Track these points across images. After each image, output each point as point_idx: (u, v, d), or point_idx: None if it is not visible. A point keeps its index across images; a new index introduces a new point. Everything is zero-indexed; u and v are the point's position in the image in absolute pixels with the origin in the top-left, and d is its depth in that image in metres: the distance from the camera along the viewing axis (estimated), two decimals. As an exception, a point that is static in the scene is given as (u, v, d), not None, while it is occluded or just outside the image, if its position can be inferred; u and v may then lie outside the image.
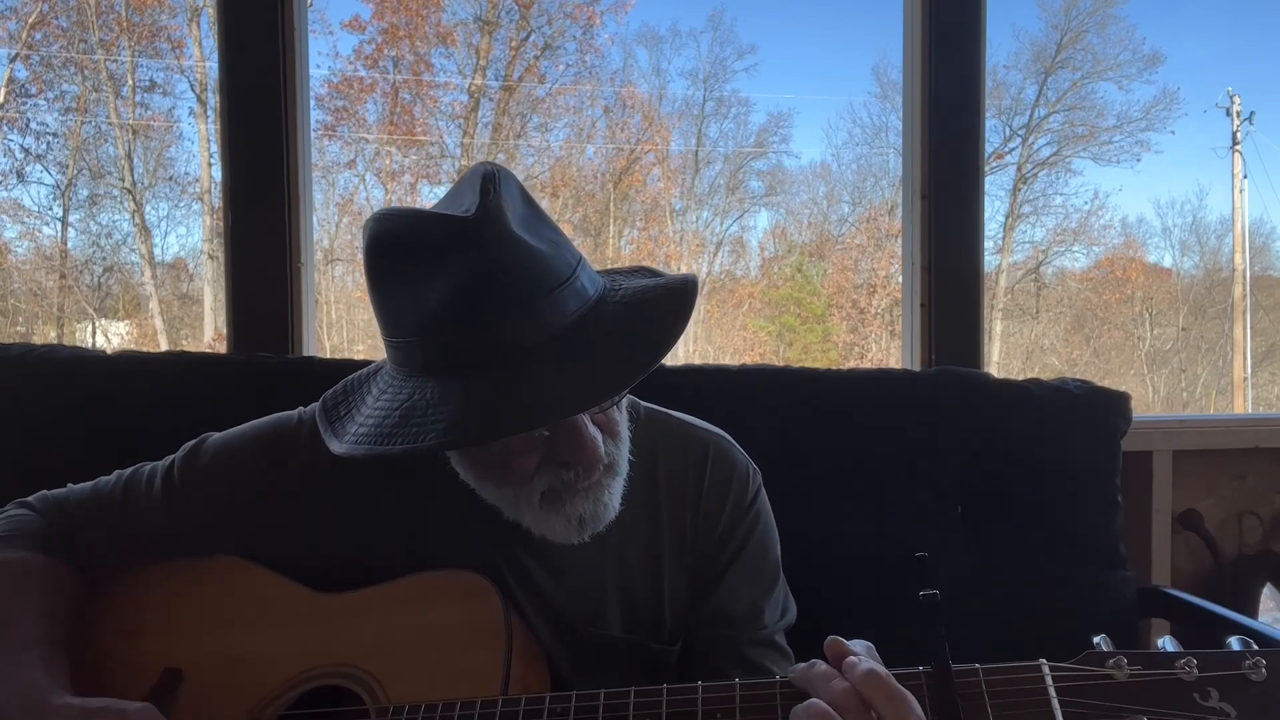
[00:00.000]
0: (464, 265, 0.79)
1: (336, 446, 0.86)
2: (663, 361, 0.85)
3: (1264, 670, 0.68)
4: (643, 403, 1.10)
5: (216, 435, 1.04)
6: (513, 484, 0.89)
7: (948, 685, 0.72)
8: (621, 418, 0.94)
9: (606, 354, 0.82)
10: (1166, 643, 0.73)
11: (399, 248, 0.82)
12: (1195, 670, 0.69)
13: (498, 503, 0.92)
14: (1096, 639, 0.73)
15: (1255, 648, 0.70)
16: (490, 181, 0.82)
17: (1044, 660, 0.73)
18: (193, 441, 1.04)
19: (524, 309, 0.80)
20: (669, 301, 0.87)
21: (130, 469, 1.04)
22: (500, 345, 0.80)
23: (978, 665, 0.73)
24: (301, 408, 1.04)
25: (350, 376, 0.98)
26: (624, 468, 0.93)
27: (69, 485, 1.04)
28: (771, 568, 1.09)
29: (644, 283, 0.91)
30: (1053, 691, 0.71)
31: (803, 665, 0.75)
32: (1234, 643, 0.71)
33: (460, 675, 0.88)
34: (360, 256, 0.86)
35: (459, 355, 0.81)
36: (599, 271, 0.96)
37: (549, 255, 0.83)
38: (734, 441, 1.11)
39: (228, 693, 0.92)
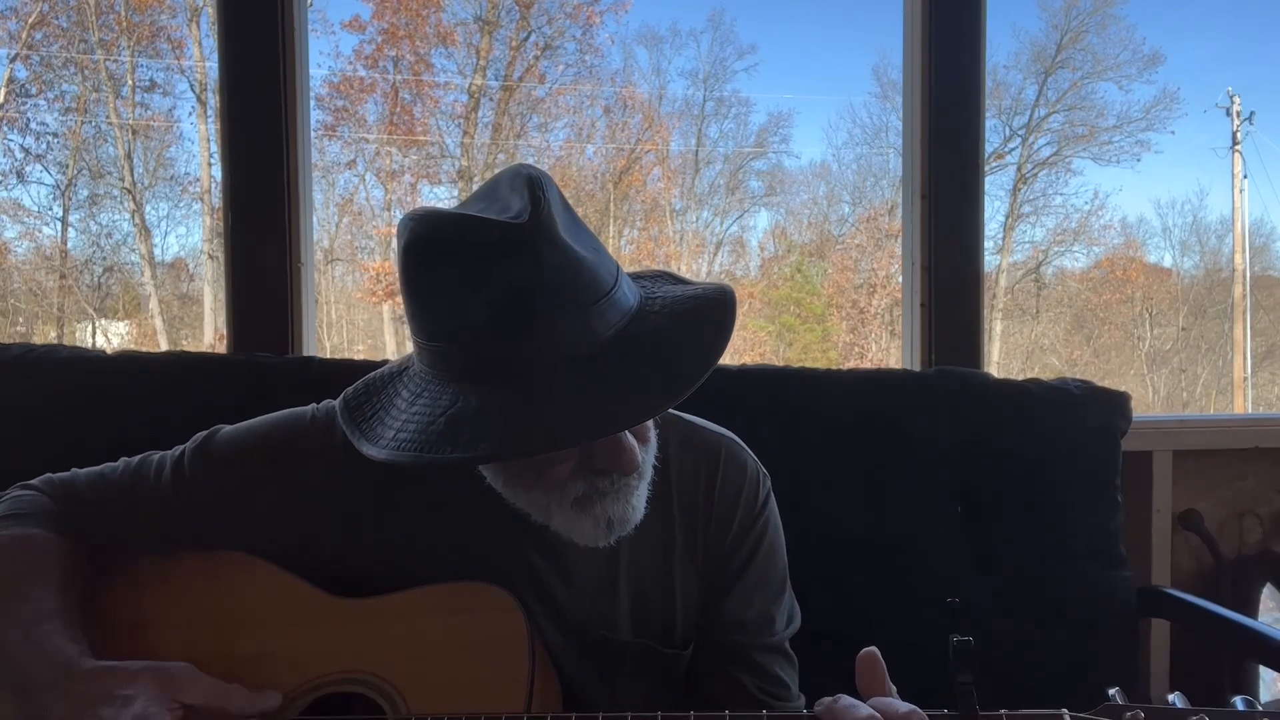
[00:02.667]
0: (513, 273, 0.77)
1: (374, 452, 0.84)
2: None
3: None
4: None
5: (228, 428, 1.03)
6: (544, 489, 0.88)
7: None
8: (649, 424, 0.93)
9: (655, 366, 0.81)
10: (1176, 699, 0.76)
11: (444, 251, 0.80)
12: None
13: (526, 506, 0.91)
14: (1111, 691, 0.76)
15: (1259, 707, 0.72)
16: (539, 187, 0.80)
17: (1066, 710, 0.75)
18: (204, 433, 1.03)
19: (572, 319, 0.79)
20: (711, 312, 0.86)
21: (138, 457, 1.03)
22: (548, 355, 0.79)
23: (1003, 711, 0.75)
24: (314, 405, 1.03)
25: (371, 375, 0.95)
26: (649, 471, 0.93)
27: (74, 470, 1.03)
28: (781, 574, 1.09)
29: (677, 291, 0.91)
30: None
31: (828, 699, 0.77)
32: (1239, 702, 0.74)
33: (483, 689, 0.87)
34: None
35: (506, 364, 0.79)
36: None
37: (595, 265, 0.82)
38: (741, 443, 1.10)
39: None
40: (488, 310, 0.78)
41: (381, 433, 0.86)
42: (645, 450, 0.91)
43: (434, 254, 0.80)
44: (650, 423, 0.93)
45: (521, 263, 0.77)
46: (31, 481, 1.01)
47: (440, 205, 0.86)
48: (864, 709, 0.74)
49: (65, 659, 0.83)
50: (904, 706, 0.74)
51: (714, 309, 0.87)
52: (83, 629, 0.90)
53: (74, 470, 1.03)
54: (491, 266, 0.78)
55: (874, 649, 0.78)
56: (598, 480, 0.87)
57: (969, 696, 0.74)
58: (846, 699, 0.76)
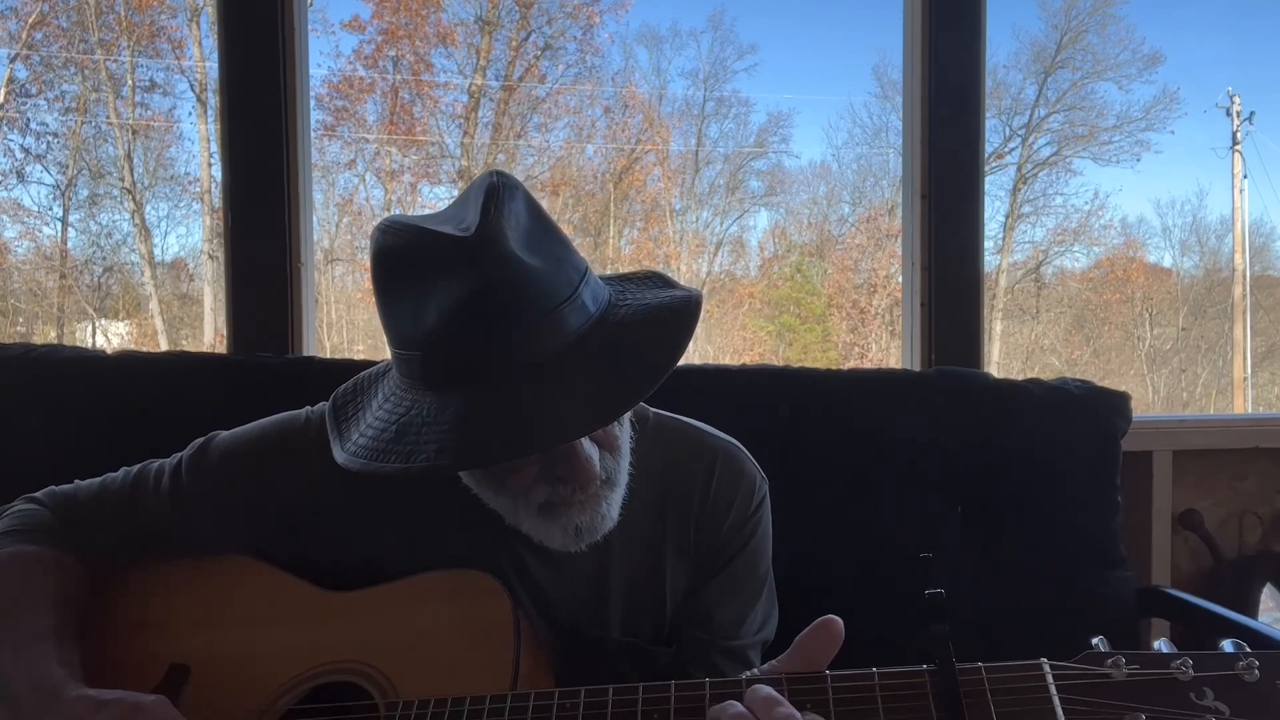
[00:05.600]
0: (461, 285, 0.79)
1: (338, 455, 0.87)
2: None
3: (1257, 671, 0.69)
4: (651, 409, 1.10)
5: (224, 434, 1.05)
6: (510, 494, 0.90)
7: (952, 683, 0.72)
8: (622, 432, 0.94)
9: (603, 379, 0.81)
10: (1162, 644, 0.74)
11: (402, 263, 0.82)
12: (1190, 670, 0.70)
13: (497, 509, 0.93)
14: (1095, 640, 0.74)
15: (1249, 650, 0.71)
16: (492, 199, 0.81)
17: (1045, 659, 0.73)
18: (200, 440, 1.04)
19: (521, 330, 0.80)
20: (671, 324, 0.86)
21: (137, 466, 1.04)
22: (496, 366, 0.80)
23: (981, 664, 0.74)
24: (309, 407, 1.04)
25: (362, 374, 0.98)
26: (623, 479, 0.94)
27: (76, 481, 1.04)
28: (760, 578, 1.09)
29: (649, 298, 0.90)
30: (1054, 689, 0.71)
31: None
32: (1227, 645, 0.72)
33: (470, 672, 0.88)
34: (367, 263, 0.86)
35: (456, 374, 0.81)
36: (611, 277, 0.95)
37: (549, 274, 0.82)
38: (744, 450, 1.10)
39: (235, 689, 0.92)
40: (438, 322, 0.80)
41: (351, 434, 0.88)
42: (615, 458, 0.92)
43: (392, 265, 0.83)
44: (623, 432, 0.94)
45: (465, 276, 0.78)
46: (35, 495, 1.03)
47: (414, 212, 0.87)
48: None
49: (51, 684, 0.84)
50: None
51: (675, 319, 0.86)
52: (77, 646, 0.91)
53: (76, 482, 1.04)
54: (441, 279, 0.79)
55: (840, 622, 0.75)
56: (560, 488, 0.88)
57: (945, 648, 0.73)
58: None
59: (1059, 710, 0.70)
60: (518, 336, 0.79)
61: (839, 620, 0.76)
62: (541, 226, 0.86)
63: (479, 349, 0.80)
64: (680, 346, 0.84)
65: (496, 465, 0.86)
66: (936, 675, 0.73)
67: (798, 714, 0.70)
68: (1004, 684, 0.72)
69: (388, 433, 0.83)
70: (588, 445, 0.87)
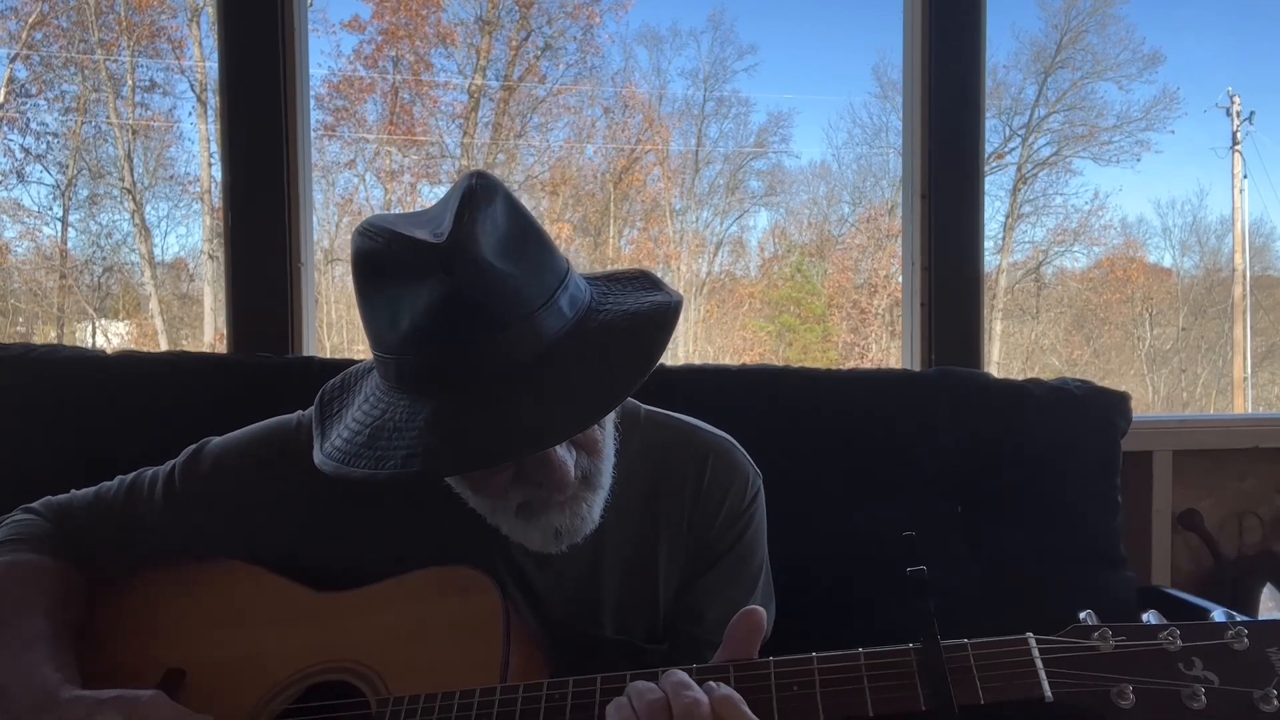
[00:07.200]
0: (432, 291, 0.78)
1: (316, 455, 0.87)
2: (662, 361, 0.85)
3: (1246, 640, 0.69)
4: (644, 406, 1.10)
5: (216, 440, 1.05)
6: (488, 495, 0.90)
7: (937, 660, 0.72)
8: (604, 434, 0.93)
9: (575, 387, 0.81)
10: (1151, 616, 0.74)
11: (377, 267, 0.82)
12: (1179, 641, 0.70)
13: (478, 509, 0.93)
14: (1083, 614, 0.75)
15: (1238, 619, 0.71)
16: (467, 204, 0.81)
17: (1030, 634, 0.74)
18: (193, 446, 1.05)
19: (491, 336, 0.79)
20: (647, 331, 0.85)
21: (132, 474, 1.05)
22: (466, 372, 0.80)
23: (966, 640, 0.74)
24: (300, 411, 1.05)
25: (350, 369, 0.99)
26: (605, 481, 0.94)
27: (72, 491, 1.05)
28: (752, 574, 1.09)
29: (630, 302, 0.90)
30: (1039, 663, 0.72)
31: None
32: (1217, 614, 0.72)
33: (461, 667, 0.89)
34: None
35: (428, 380, 0.81)
36: (598, 276, 0.95)
37: (523, 280, 0.82)
38: (738, 446, 1.10)
39: (230, 691, 0.93)
40: (410, 327, 0.80)
41: (330, 434, 0.88)
42: (596, 461, 0.91)
43: (368, 268, 0.83)
44: (606, 434, 0.94)
45: (438, 281, 0.78)
46: (33, 505, 1.04)
47: (394, 213, 0.87)
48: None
49: (47, 688, 0.85)
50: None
51: (650, 328, 0.85)
52: (72, 651, 0.92)
53: (72, 492, 1.05)
54: (413, 284, 0.79)
55: (761, 611, 0.78)
56: (536, 491, 0.88)
57: (929, 625, 0.73)
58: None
59: (1045, 684, 0.71)
60: (488, 342, 0.79)
61: (760, 610, 0.78)
62: (520, 229, 0.85)
63: (449, 355, 0.80)
64: (655, 355, 0.83)
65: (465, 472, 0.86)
66: (922, 652, 0.73)
67: (704, 696, 0.71)
68: (989, 659, 0.73)
69: (361, 435, 0.83)
70: (562, 450, 0.87)
